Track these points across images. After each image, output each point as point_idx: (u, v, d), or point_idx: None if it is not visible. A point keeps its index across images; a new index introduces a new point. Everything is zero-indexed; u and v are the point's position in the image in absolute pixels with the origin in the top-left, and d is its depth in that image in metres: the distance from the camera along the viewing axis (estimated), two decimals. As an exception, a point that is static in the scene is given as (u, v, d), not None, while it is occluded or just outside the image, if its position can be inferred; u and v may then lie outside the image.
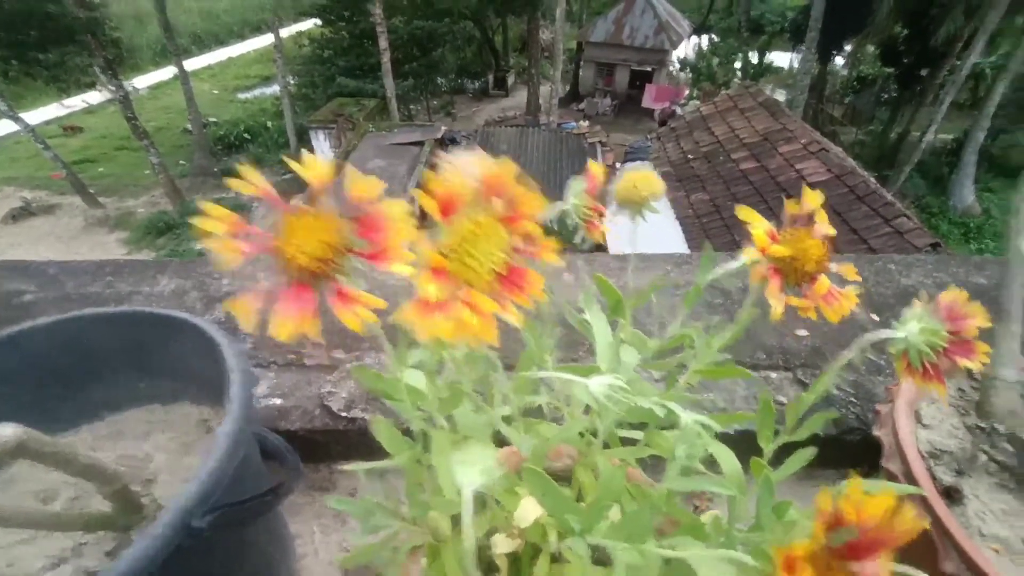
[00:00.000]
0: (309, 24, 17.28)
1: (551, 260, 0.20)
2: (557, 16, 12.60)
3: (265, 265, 0.22)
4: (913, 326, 0.29)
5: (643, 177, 0.34)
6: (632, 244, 0.36)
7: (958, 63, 11.51)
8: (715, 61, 16.77)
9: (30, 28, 10.01)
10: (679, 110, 14.58)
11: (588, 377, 0.28)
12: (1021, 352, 0.56)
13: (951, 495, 0.48)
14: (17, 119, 10.10)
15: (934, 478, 0.49)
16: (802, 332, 0.99)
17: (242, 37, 23.70)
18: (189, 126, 14.11)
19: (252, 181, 0.20)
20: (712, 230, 6.07)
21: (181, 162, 13.74)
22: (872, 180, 5.88)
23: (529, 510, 0.37)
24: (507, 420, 0.34)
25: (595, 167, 0.34)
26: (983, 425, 0.54)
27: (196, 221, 0.19)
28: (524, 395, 0.35)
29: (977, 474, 0.50)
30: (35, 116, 13.82)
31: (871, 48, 13.81)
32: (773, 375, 0.86)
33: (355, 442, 0.79)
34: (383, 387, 0.29)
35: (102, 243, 10.66)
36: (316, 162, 0.20)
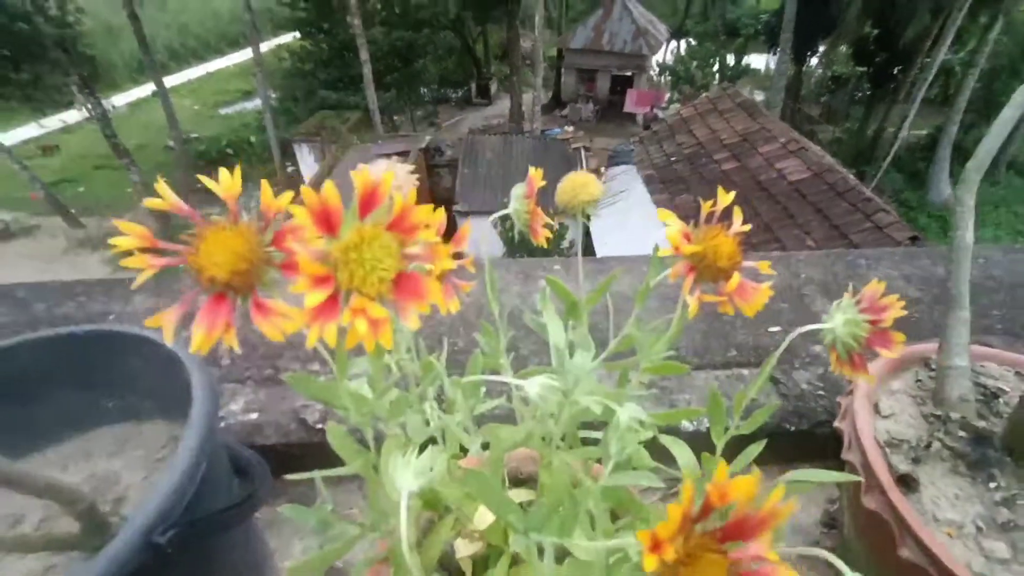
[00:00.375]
0: (288, 38, 17.26)
1: (446, 266, 0.20)
2: (536, 24, 12.72)
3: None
4: (839, 318, 0.31)
5: (582, 182, 0.35)
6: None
7: (928, 60, 11.81)
8: (693, 64, 17.03)
9: (1, 47, 9.88)
10: (661, 113, 14.78)
11: (531, 378, 0.29)
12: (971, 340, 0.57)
13: (908, 483, 0.50)
14: (-9, 140, 9.93)
15: (891, 467, 0.51)
16: (774, 328, 1.01)
17: (220, 52, 23.57)
18: (170, 143, 13.96)
19: (164, 197, 0.20)
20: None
21: (163, 180, 13.58)
22: (851, 176, 5.99)
23: (487, 513, 0.37)
24: (461, 425, 0.35)
25: (535, 173, 0.35)
26: (938, 413, 0.55)
27: (114, 240, 0.19)
28: (473, 399, 0.36)
29: (932, 461, 0.52)
30: (11, 136, 13.59)
31: (843, 48, 14.14)
32: (745, 372, 0.87)
33: (332, 455, 0.78)
34: (322, 394, 0.30)
35: (84, 264, 10.47)
36: (227, 178, 0.20)
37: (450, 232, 0.28)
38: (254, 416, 0.80)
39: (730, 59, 17.87)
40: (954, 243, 0.58)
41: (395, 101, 14.57)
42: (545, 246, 0.36)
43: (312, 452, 0.77)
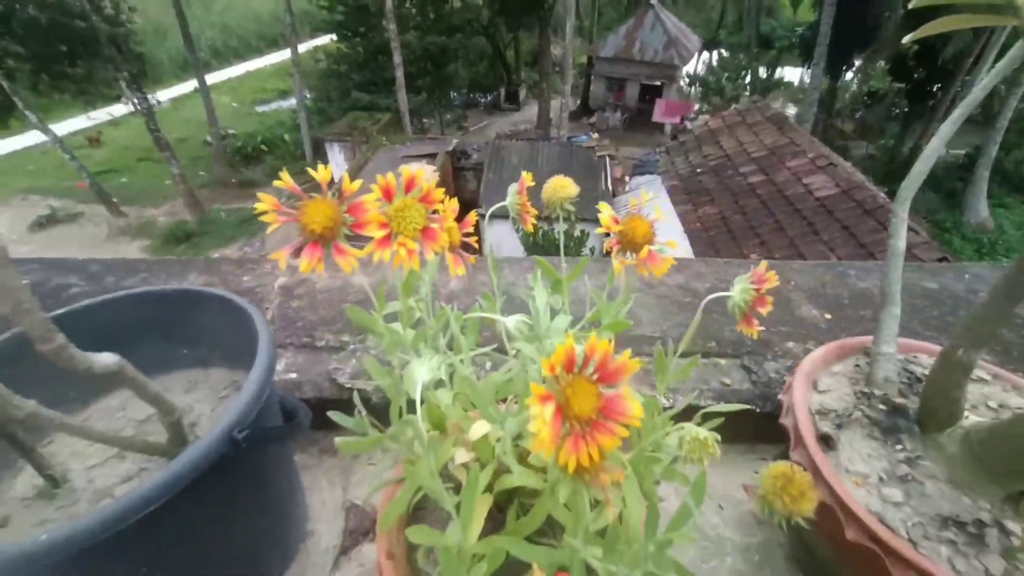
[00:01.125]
0: (325, 40, 17.78)
1: (455, 239, 0.33)
2: (568, 31, 12.89)
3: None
4: (737, 288, 0.42)
5: (561, 184, 0.47)
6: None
7: (968, 78, 11.55)
8: (724, 76, 16.94)
9: (60, 43, 10.49)
10: (689, 124, 14.74)
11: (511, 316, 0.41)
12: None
13: (828, 442, 0.60)
14: (46, 131, 10.53)
15: (815, 428, 0.61)
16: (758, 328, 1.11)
17: (260, 52, 24.41)
18: (209, 138, 14.57)
19: (285, 181, 0.33)
20: (720, 243, 6.15)
21: (201, 173, 14.16)
22: (881, 194, 5.89)
23: (479, 428, 0.50)
24: (465, 361, 0.47)
25: (527, 175, 0.47)
26: (866, 391, 0.66)
27: (256, 205, 0.32)
28: (473, 336, 0.48)
29: (852, 427, 0.62)
30: (62, 128, 14.34)
31: (881, 63, 13.90)
32: (722, 361, 0.98)
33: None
34: (366, 322, 0.42)
35: (124, 251, 11.00)
36: (323, 169, 0.33)
37: (474, 234, 0.41)
38: (293, 375, 0.94)
39: (763, 72, 17.74)
40: (889, 250, 0.68)
41: (425, 104, 14.90)
42: (530, 230, 0.48)
43: (342, 406, 0.89)
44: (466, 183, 11.00)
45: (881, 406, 0.63)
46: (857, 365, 0.71)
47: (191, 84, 15.96)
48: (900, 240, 0.67)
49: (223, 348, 0.74)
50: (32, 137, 13.97)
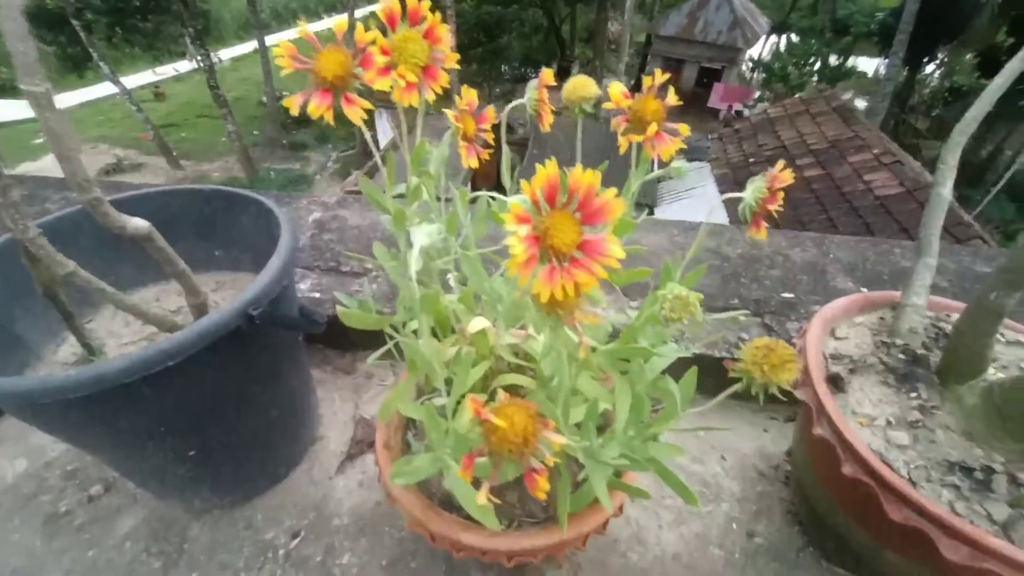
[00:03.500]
0: (380, 6, 17.80)
1: (470, 130, 0.34)
2: (627, 7, 12.44)
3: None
4: (749, 190, 0.41)
5: (582, 83, 0.47)
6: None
7: (1066, 77, 10.49)
8: (791, 61, 16.01)
9: (132, -1, 10.94)
10: (746, 111, 14.08)
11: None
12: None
13: (836, 382, 0.58)
14: (117, 82, 11.07)
15: (827, 369, 0.59)
16: (787, 295, 1.08)
17: (318, 16, 24.73)
18: (264, 99, 14.97)
19: (285, 48, 0.35)
20: (764, 233, 5.91)
21: (254, 132, 14.62)
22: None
23: (477, 323, 0.51)
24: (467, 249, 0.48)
25: (547, 73, 0.47)
26: (887, 340, 0.63)
27: (275, 52, 0.33)
28: (482, 226, 0.49)
29: (866, 373, 0.60)
30: (130, 81, 15.04)
31: (968, 56, 12.81)
32: (741, 318, 0.95)
33: (375, 333, 0.95)
34: (376, 197, 0.44)
35: (180, 201, 11.52)
36: (339, 21, 0.34)
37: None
38: (318, 295, 0.98)
39: (833, 60, 16.64)
40: (931, 197, 0.64)
41: (476, 76, 14.77)
42: (547, 130, 0.48)
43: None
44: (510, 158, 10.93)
45: (901, 355, 0.60)
46: (882, 318, 0.68)
47: (251, 44, 16.36)
48: (945, 188, 0.63)
49: (253, 251, 0.77)
50: (104, 89, 14.69)
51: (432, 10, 0.34)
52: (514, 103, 0.48)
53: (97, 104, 15.56)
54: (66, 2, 9.45)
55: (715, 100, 15.84)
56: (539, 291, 0.26)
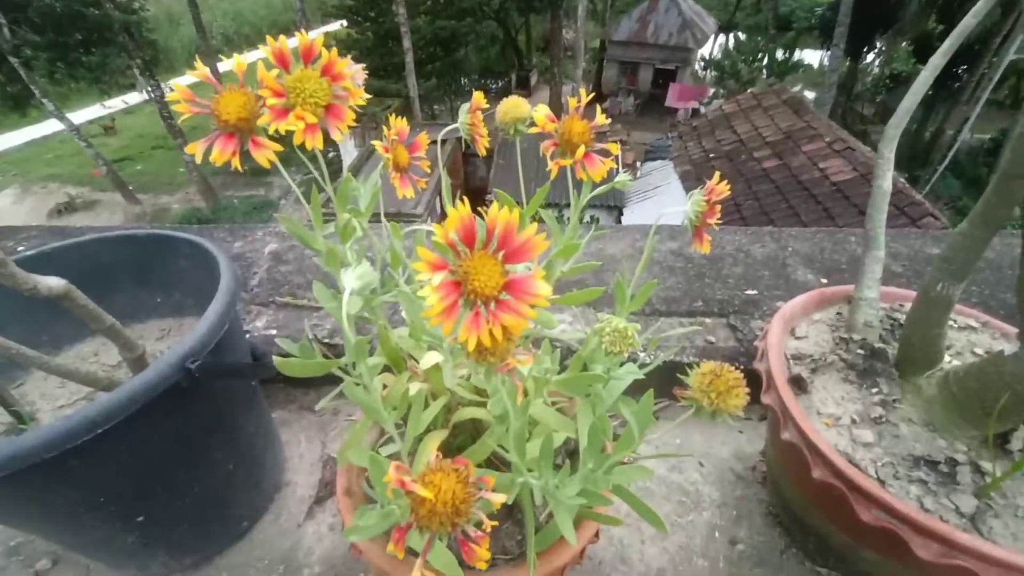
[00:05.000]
0: (335, 26, 17.70)
1: (403, 160, 0.32)
2: (579, 15, 12.68)
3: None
4: (690, 204, 0.40)
5: (514, 104, 0.45)
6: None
7: (995, 59, 11.12)
8: (740, 59, 16.54)
9: (74, 31, 10.59)
10: (703, 109, 14.47)
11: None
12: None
13: (799, 384, 0.58)
14: (63, 119, 10.68)
15: (788, 371, 0.59)
16: (751, 292, 1.09)
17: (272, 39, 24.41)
18: (221, 125, 14.64)
19: (199, 70, 0.32)
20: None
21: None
22: (900, 179, 5.75)
23: (429, 358, 0.49)
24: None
25: (478, 94, 0.46)
26: (845, 336, 0.63)
27: (169, 97, 0.30)
28: (396, 268, 0.47)
29: (827, 371, 0.60)
30: (79, 116, 14.53)
31: (904, 44, 13.45)
32: (708, 320, 0.95)
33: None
34: (305, 238, 0.42)
35: (139, 236, 11.14)
36: (238, 59, 0.32)
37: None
38: (273, 332, 0.94)
39: (780, 55, 17.26)
40: (873, 191, 0.65)
41: (435, 90, 14.78)
42: (483, 153, 0.46)
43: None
44: (476, 169, 10.95)
45: (859, 350, 0.61)
46: (839, 313, 0.69)
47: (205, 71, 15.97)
48: (885, 181, 0.64)
49: (196, 295, 0.73)
50: (51, 126, 14.15)
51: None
52: (448, 127, 0.46)
53: (44, 143, 14.99)
54: (1, 39, 9.08)
55: (672, 99, 16.23)
56: (464, 339, 0.25)
